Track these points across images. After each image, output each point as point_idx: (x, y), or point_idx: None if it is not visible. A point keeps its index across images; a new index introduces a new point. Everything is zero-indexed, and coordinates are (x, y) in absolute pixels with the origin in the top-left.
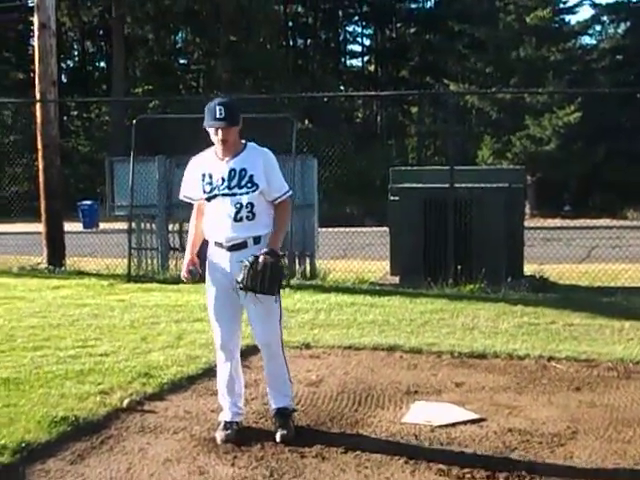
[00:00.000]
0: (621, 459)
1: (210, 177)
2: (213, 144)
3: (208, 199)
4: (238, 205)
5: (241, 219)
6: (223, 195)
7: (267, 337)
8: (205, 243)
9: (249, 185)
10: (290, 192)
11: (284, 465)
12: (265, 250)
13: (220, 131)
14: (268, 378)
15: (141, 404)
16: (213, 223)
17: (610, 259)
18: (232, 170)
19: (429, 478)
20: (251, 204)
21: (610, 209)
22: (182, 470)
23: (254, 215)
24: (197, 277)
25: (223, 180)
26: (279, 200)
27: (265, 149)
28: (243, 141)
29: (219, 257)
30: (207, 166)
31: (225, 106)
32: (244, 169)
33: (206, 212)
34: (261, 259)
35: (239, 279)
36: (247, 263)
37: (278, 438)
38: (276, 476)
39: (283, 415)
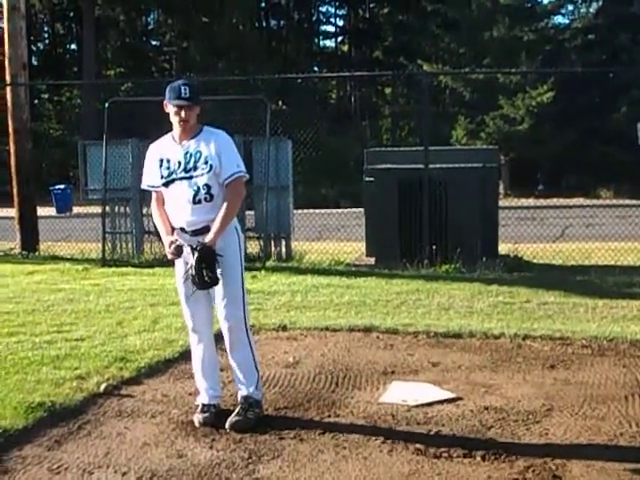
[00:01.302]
0: (595, 435)
1: (168, 162)
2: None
3: (166, 184)
4: (195, 187)
5: (199, 201)
6: (180, 179)
7: (229, 322)
8: None
9: (204, 166)
10: (241, 174)
11: (262, 447)
12: (200, 243)
13: (184, 111)
14: (232, 364)
15: (118, 388)
16: (173, 209)
17: (583, 238)
18: (187, 153)
19: (406, 457)
20: (207, 185)
21: (583, 188)
22: (160, 454)
23: (212, 196)
24: (182, 251)
25: (179, 164)
26: (227, 181)
27: (220, 131)
28: (199, 125)
29: (184, 240)
30: (164, 151)
31: (190, 86)
32: (199, 151)
33: (166, 198)
34: (194, 256)
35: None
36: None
37: (227, 424)
38: (254, 458)
39: (244, 403)
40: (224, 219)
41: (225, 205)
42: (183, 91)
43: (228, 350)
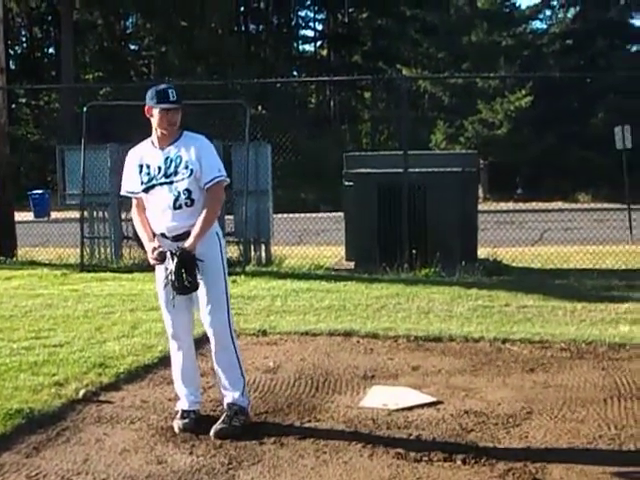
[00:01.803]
0: (575, 438)
1: (148, 167)
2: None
3: (146, 190)
4: (176, 192)
5: (180, 206)
6: (161, 184)
7: (214, 328)
8: None
9: (184, 171)
10: (222, 178)
11: (242, 452)
12: (180, 248)
13: (171, 114)
14: (217, 370)
15: (97, 394)
16: (154, 214)
17: (562, 242)
18: (168, 158)
19: (387, 462)
20: (188, 190)
21: (562, 192)
22: (140, 460)
23: (192, 201)
24: (165, 256)
25: (160, 169)
26: (207, 185)
27: (200, 135)
28: (179, 129)
29: (165, 246)
30: (144, 157)
31: (175, 89)
32: (180, 156)
33: (146, 204)
34: (174, 260)
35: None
36: (170, 266)
37: (212, 431)
38: (235, 464)
39: (228, 410)
40: (204, 224)
41: (205, 210)
42: (171, 95)
43: (213, 356)
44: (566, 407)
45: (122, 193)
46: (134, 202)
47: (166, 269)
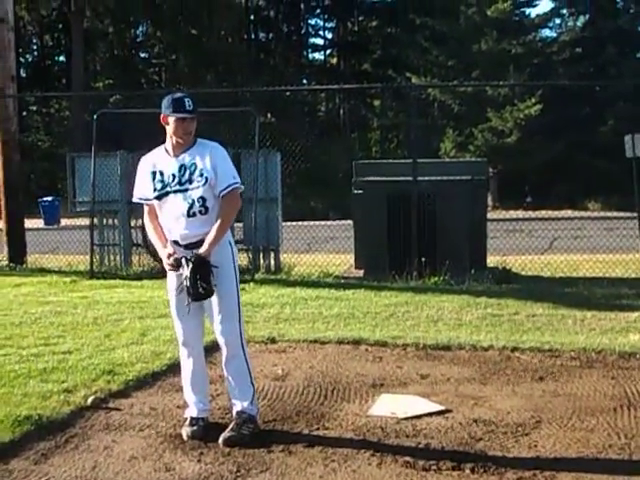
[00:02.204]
0: (584, 447)
1: (161, 174)
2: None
3: (159, 197)
4: (190, 200)
5: (194, 214)
6: (175, 192)
7: (226, 337)
8: None
9: (199, 179)
10: (237, 185)
11: (251, 460)
12: (195, 254)
13: (187, 123)
14: (227, 378)
15: (106, 402)
16: (167, 221)
17: (571, 250)
18: (182, 166)
19: (395, 470)
20: (203, 198)
21: (571, 200)
22: (148, 467)
23: (207, 209)
24: (181, 262)
25: (174, 177)
26: (223, 193)
27: (214, 143)
28: (193, 137)
29: (180, 254)
30: (157, 164)
31: (191, 98)
32: (194, 164)
33: (159, 212)
34: (189, 266)
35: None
36: (185, 272)
37: (220, 439)
38: (243, 471)
39: (237, 418)
40: (219, 230)
41: (221, 217)
42: (187, 104)
43: (224, 364)
44: (575, 416)
45: (134, 200)
46: (146, 209)
47: (181, 275)
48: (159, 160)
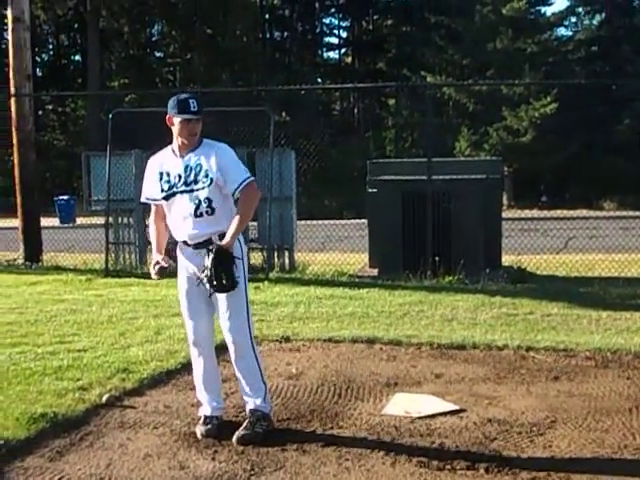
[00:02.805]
0: (599, 448)
1: (168, 175)
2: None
3: (167, 198)
4: (197, 201)
5: (201, 214)
6: (181, 192)
7: (234, 335)
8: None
9: (204, 180)
10: (250, 179)
11: (265, 459)
12: (216, 245)
13: (192, 124)
14: (238, 377)
15: (120, 399)
16: (175, 222)
17: (587, 249)
18: (188, 166)
19: (409, 470)
20: (209, 199)
21: (587, 200)
22: (162, 465)
23: (213, 210)
24: (167, 272)
25: (180, 177)
26: (238, 190)
27: (221, 144)
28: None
29: (188, 255)
30: (164, 164)
31: (196, 99)
32: (199, 164)
33: (167, 212)
34: (211, 257)
35: (201, 276)
36: (207, 263)
37: (234, 438)
38: (257, 470)
39: (251, 416)
40: (240, 223)
41: (241, 209)
42: (192, 105)
43: (233, 362)
44: (591, 416)
45: (142, 200)
46: (153, 209)
47: (190, 277)
48: (166, 161)
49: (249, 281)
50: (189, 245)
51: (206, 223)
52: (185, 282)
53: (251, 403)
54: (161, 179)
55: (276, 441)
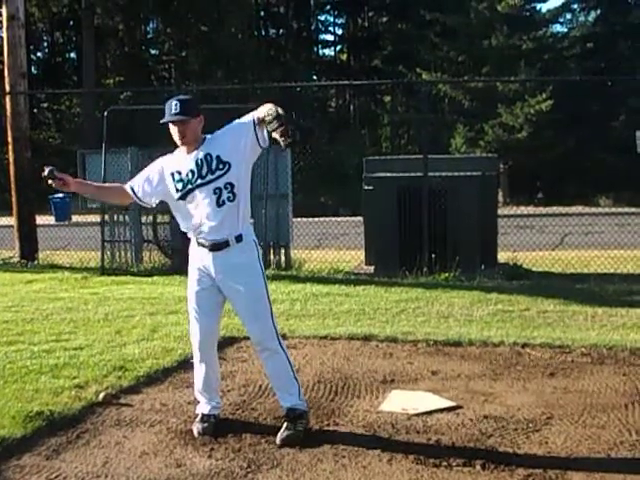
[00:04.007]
0: (595, 444)
1: (179, 174)
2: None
3: (184, 196)
4: (217, 190)
5: (223, 202)
6: (199, 186)
7: (261, 336)
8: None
9: (220, 167)
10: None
11: (261, 456)
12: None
13: (178, 127)
14: (270, 378)
15: (117, 397)
16: (195, 217)
17: (582, 246)
18: (198, 160)
19: (406, 466)
20: (230, 184)
21: (582, 196)
22: (159, 463)
23: (235, 195)
24: (52, 176)
25: (193, 173)
26: (255, 118)
27: (215, 133)
28: (203, 135)
29: (202, 256)
30: (174, 165)
31: (181, 101)
32: (208, 154)
33: (184, 212)
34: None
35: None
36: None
37: (277, 440)
38: (253, 467)
39: (289, 415)
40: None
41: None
42: (174, 107)
43: (264, 364)
44: (587, 413)
45: (125, 186)
46: (128, 188)
47: (198, 270)
48: (176, 161)
49: None
50: (205, 247)
51: (227, 212)
52: (196, 283)
53: (287, 402)
54: (173, 179)
55: (273, 439)
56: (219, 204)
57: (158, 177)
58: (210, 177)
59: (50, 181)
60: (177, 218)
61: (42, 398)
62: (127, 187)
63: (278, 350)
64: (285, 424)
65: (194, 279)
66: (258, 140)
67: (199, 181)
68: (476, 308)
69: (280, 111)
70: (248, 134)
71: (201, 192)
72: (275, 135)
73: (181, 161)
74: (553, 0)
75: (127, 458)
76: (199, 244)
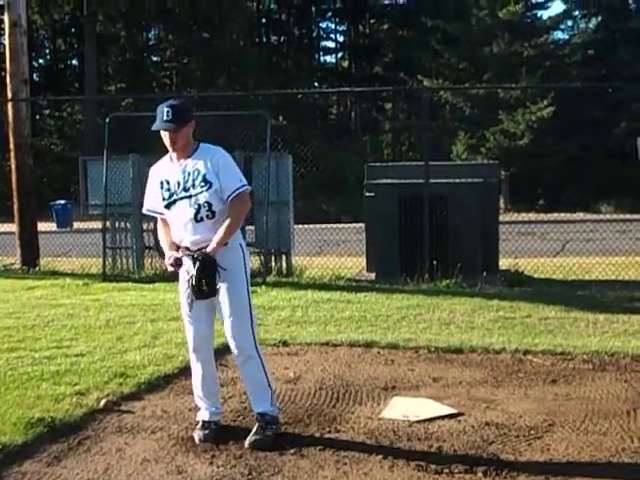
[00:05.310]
0: (597, 451)
1: (168, 183)
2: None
3: (168, 206)
4: (196, 205)
5: (202, 219)
6: (181, 198)
7: (237, 339)
8: None
9: (202, 184)
10: (245, 188)
11: (262, 463)
12: (201, 252)
13: (168, 134)
14: (244, 382)
15: (118, 404)
16: (177, 228)
17: (584, 253)
18: (185, 172)
19: (407, 473)
20: (209, 203)
21: (583, 203)
22: (160, 470)
23: (213, 213)
24: (182, 264)
25: (179, 184)
26: (231, 197)
27: (217, 147)
28: (196, 142)
29: (189, 260)
30: (163, 173)
31: (172, 108)
32: (197, 169)
33: (169, 219)
34: (196, 265)
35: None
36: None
37: (246, 443)
38: (255, 474)
39: (260, 420)
40: (227, 231)
41: (230, 217)
42: (165, 114)
43: (240, 367)
44: (588, 419)
45: (144, 211)
46: (159, 218)
47: (187, 273)
48: (165, 169)
49: None
50: (192, 251)
51: (207, 228)
52: (187, 287)
53: (259, 407)
54: (162, 188)
55: (274, 445)
56: (197, 219)
57: (158, 187)
58: (192, 192)
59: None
60: None
61: (43, 405)
62: (147, 214)
63: (254, 356)
64: (255, 428)
65: (184, 283)
66: (220, 192)
67: (183, 193)
68: (477, 315)
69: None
70: (225, 191)
71: (182, 204)
72: (191, 280)
73: (170, 170)
74: (554, 7)
75: (128, 465)
76: (186, 249)
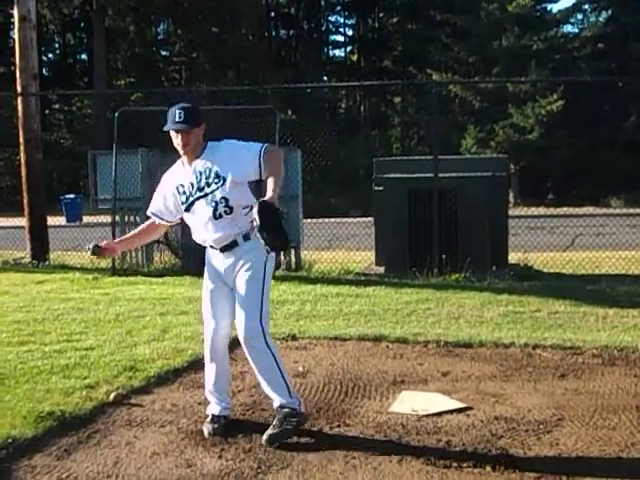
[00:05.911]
0: (606, 446)
1: (182, 187)
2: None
3: (187, 209)
4: (213, 203)
5: (220, 215)
6: (198, 198)
7: (245, 332)
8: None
9: (216, 181)
10: (264, 146)
11: (271, 457)
12: (261, 201)
13: (181, 135)
14: (258, 376)
15: (127, 398)
16: (198, 229)
17: (594, 247)
18: (197, 172)
19: (416, 468)
20: (225, 199)
21: (593, 197)
22: (169, 463)
23: (231, 209)
24: (98, 253)
25: (192, 185)
26: (262, 156)
27: (221, 142)
28: (204, 142)
29: (215, 257)
30: (177, 178)
31: (185, 110)
32: (208, 167)
33: (189, 222)
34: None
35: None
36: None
37: (263, 438)
38: (263, 468)
39: (279, 414)
40: (275, 181)
41: (270, 172)
42: (177, 115)
43: (251, 362)
44: (598, 414)
45: (148, 213)
46: (154, 219)
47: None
48: (178, 174)
49: None
50: (215, 249)
51: (227, 224)
52: (211, 283)
53: (277, 401)
54: (179, 193)
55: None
56: (216, 217)
57: (170, 194)
58: (207, 190)
59: (96, 256)
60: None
61: (53, 398)
62: (150, 216)
63: (264, 349)
64: (274, 422)
65: (209, 280)
66: (260, 173)
67: (198, 193)
68: (487, 309)
69: (269, 220)
70: (252, 163)
71: (200, 204)
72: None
73: (183, 174)
74: (564, 0)
75: (138, 458)
76: (211, 247)
